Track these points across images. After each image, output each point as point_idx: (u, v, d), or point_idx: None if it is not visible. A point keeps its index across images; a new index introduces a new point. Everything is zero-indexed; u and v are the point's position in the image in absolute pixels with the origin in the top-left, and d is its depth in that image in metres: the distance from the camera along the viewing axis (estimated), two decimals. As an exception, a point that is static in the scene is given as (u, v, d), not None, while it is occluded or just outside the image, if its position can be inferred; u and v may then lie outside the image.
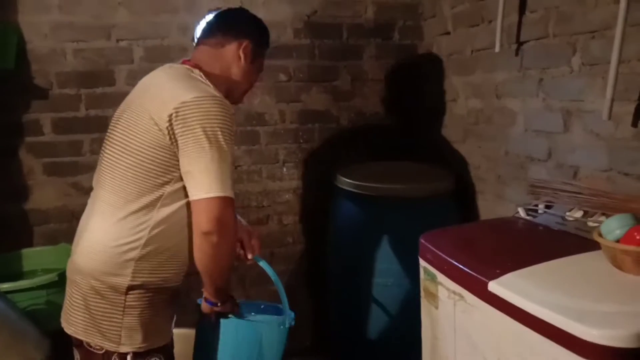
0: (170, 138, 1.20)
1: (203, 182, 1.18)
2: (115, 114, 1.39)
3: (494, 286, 1.09)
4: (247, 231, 1.52)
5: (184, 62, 1.40)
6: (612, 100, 1.33)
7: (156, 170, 1.23)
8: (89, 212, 1.35)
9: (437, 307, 1.35)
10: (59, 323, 1.74)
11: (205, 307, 1.37)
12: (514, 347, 1.05)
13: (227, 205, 1.19)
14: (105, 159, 1.32)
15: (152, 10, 2.19)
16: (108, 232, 1.25)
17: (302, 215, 2.51)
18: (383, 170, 2.19)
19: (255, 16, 1.52)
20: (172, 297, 1.37)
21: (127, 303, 1.26)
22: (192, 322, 1.87)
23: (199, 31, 2.26)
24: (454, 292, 1.25)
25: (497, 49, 1.78)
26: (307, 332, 2.61)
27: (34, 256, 2.12)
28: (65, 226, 2.22)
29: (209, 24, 1.46)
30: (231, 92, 1.42)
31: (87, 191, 2.20)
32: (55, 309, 1.79)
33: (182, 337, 1.64)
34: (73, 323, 1.31)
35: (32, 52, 2.10)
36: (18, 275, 2.02)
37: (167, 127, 1.19)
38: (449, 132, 2.32)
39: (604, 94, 1.36)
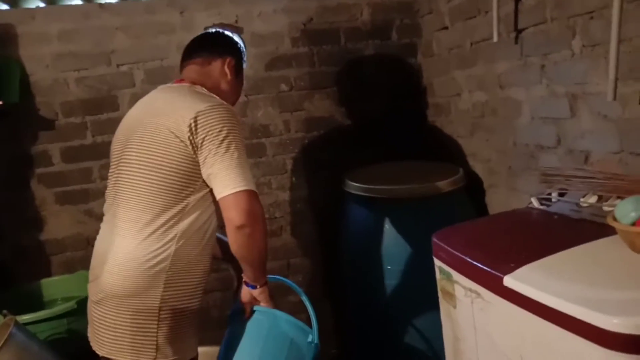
0: (192, 147, 1.28)
1: (228, 180, 1.25)
2: (119, 136, 1.44)
3: (509, 280, 1.06)
4: None
5: (177, 82, 1.48)
6: (616, 80, 1.29)
7: (181, 182, 1.29)
8: (108, 233, 1.37)
9: (455, 307, 1.32)
10: (80, 350, 1.76)
11: (245, 292, 1.44)
12: (534, 342, 1.02)
13: (253, 197, 1.27)
14: (123, 180, 1.35)
15: (150, 32, 2.21)
16: (137, 249, 1.29)
17: (315, 223, 2.49)
18: (391, 172, 2.18)
19: (233, 37, 1.66)
20: (198, 311, 1.40)
21: (161, 316, 1.29)
22: (214, 339, 1.87)
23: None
24: (471, 290, 1.22)
25: (495, 39, 1.76)
26: (331, 340, 2.59)
27: (53, 285, 2.14)
28: (81, 253, 2.24)
29: (192, 46, 1.57)
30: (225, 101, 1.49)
31: (100, 217, 2.23)
32: (76, 336, 1.81)
33: (205, 355, 1.65)
34: (105, 343, 1.32)
35: (35, 84, 2.13)
36: (38, 306, 2.04)
37: (188, 137, 1.27)
38: (455, 127, 2.29)
39: (608, 75, 1.32)
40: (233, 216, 1.26)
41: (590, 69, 1.45)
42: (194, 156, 1.28)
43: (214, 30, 1.70)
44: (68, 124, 2.18)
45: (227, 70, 1.52)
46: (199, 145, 1.27)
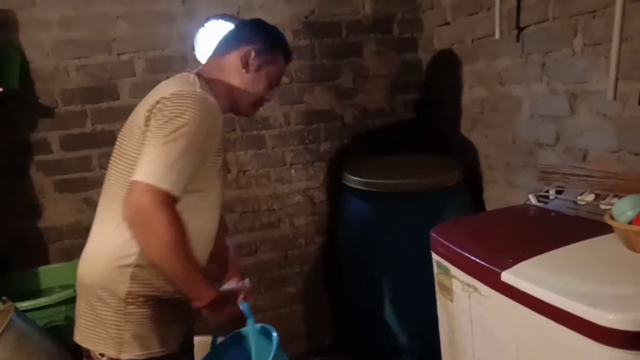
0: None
1: (145, 167, 1.12)
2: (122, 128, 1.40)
3: (507, 276, 1.08)
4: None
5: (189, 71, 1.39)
6: (617, 79, 1.31)
7: None
8: (94, 222, 1.35)
9: (452, 301, 1.34)
10: (78, 338, 1.76)
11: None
12: (531, 336, 1.04)
13: (157, 198, 1.09)
14: (108, 169, 1.32)
15: (151, 21, 2.20)
16: (108, 239, 1.26)
17: (314, 216, 2.50)
18: (391, 166, 2.18)
19: (266, 25, 1.46)
20: (176, 307, 1.31)
21: (127, 310, 1.24)
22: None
23: (198, 40, 2.29)
24: (468, 285, 1.24)
25: (497, 36, 1.77)
26: (327, 330, 2.61)
27: (51, 273, 2.13)
28: (79, 242, 2.21)
29: (218, 41, 1.45)
30: (236, 102, 1.40)
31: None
32: (73, 324, 1.81)
33: (201, 343, 1.66)
34: (80, 332, 1.32)
35: (35, 71, 2.12)
36: (36, 293, 2.04)
37: (144, 124, 1.18)
38: (455, 122, 2.30)
39: (608, 74, 1.34)
40: (124, 205, 1.14)
41: (591, 67, 1.46)
42: None
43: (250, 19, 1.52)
44: (68, 112, 2.17)
45: (241, 62, 1.36)
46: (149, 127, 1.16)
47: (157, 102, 1.18)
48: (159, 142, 1.13)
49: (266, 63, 1.39)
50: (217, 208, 1.38)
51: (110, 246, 1.25)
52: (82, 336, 1.30)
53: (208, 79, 1.34)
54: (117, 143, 1.31)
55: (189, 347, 1.52)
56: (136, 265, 1.23)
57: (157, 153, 1.12)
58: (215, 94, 1.30)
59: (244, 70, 1.37)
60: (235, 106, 1.41)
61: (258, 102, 1.43)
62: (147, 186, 1.09)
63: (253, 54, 1.36)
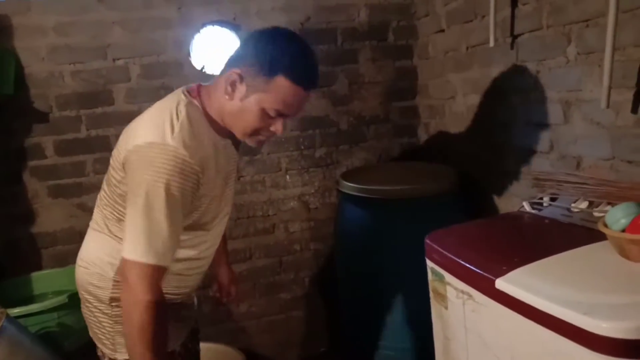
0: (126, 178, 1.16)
1: (129, 242, 1.10)
2: None
3: (501, 283, 1.08)
4: (229, 277, 1.71)
5: (195, 87, 1.27)
6: (610, 88, 1.31)
7: (122, 204, 1.19)
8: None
9: (446, 308, 1.34)
10: (72, 344, 1.77)
11: None
12: (525, 344, 1.04)
13: (143, 274, 1.08)
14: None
15: (147, 27, 2.20)
16: (92, 248, 1.30)
17: (309, 222, 2.50)
18: (386, 172, 2.19)
19: (273, 38, 1.18)
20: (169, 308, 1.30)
21: (113, 313, 1.27)
22: (206, 336, 1.87)
23: (194, 46, 2.29)
24: (463, 292, 1.24)
25: (491, 44, 1.77)
26: (323, 337, 2.61)
27: (43, 279, 2.13)
28: (73, 247, 2.22)
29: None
30: (230, 129, 1.24)
31: (93, 211, 2.23)
32: (67, 330, 1.81)
33: (207, 351, 1.67)
34: (89, 328, 1.37)
35: (30, 77, 2.12)
36: (29, 299, 2.03)
37: (122, 169, 1.16)
38: (449, 129, 2.31)
39: (601, 83, 1.35)
40: (127, 283, 1.10)
41: (584, 76, 1.47)
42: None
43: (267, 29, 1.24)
44: (62, 117, 2.17)
45: (225, 88, 1.17)
46: (127, 183, 1.14)
47: (131, 150, 1.11)
48: (138, 211, 1.08)
49: (256, 90, 1.14)
50: (209, 235, 1.32)
51: (92, 255, 1.29)
52: (91, 332, 1.36)
53: (205, 101, 1.23)
54: (111, 158, 1.27)
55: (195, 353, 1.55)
56: (116, 278, 1.24)
57: (139, 225, 1.08)
58: (211, 119, 1.23)
59: (226, 97, 1.18)
60: (233, 133, 1.25)
61: (253, 133, 1.22)
62: (134, 263, 1.08)
63: (238, 79, 1.16)
